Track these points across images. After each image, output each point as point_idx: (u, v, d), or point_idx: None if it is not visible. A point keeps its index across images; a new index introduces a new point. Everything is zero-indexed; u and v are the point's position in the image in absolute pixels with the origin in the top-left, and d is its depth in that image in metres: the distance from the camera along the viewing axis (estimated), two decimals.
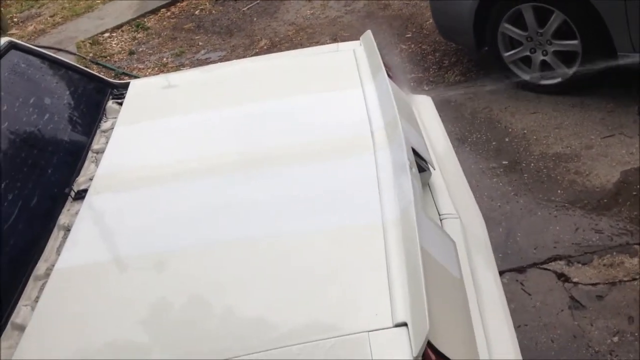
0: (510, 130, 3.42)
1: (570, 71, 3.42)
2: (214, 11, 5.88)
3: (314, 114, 2.03)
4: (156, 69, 5.12)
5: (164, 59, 5.24)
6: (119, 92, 2.40)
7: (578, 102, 3.45)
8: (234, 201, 1.74)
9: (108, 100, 2.36)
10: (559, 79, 3.50)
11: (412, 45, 4.50)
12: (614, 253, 2.57)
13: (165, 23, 5.87)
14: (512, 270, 2.61)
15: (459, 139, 3.44)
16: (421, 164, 1.93)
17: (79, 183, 1.96)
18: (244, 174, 1.83)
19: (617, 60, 3.23)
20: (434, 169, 2.04)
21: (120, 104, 2.31)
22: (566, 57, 3.43)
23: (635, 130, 3.15)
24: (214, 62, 4.99)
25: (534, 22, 3.41)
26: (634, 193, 2.81)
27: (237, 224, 1.66)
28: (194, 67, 4.93)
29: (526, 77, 3.64)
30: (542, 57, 3.49)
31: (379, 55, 2.21)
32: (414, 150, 1.86)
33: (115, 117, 2.22)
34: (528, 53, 3.54)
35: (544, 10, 3.35)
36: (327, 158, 1.82)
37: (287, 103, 2.13)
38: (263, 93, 2.20)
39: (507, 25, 3.52)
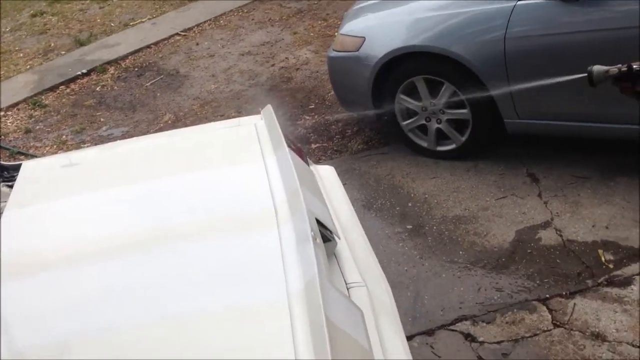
0: (412, 195, 3.54)
1: (463, 138, 3.62)
2: (115, 87, 5.81)
3: (215, 190, 2.02)
4: (55, 147, 4.95)
5: (63, 137, 5.08)
6: (10, 175, 2.29)
7: (472, 166, 3.64)
8: (134, 283, 1.67)
9: None
10: (454, 146, 3.70)
11: (316, 116, 4.63)
12: (515, 310, 2.67)
13: (64, 100, 5.73)
14: (421, 333, 2.65)
15: (365, 206, 3.52)
16: (326, 234, 1.95)
17: None
18: (144, 254, 1.77)
19: (504, 126, 3.46)
20: (339, 239, 2.06)
21: (11, 186, 2.20)
22: (459, 125, 3.64)
23: (525, 191, 3.36)
24: (117, 138, 4.90)
25: (427, 94, 3.61)
26: (529, 251, 2.96)
27: (137, 306, 1.59)
28: (96, 144, 4.81)
29: (424, 144, 3.81)
30: (437, 125, 3.68)
31: (279, 129, 2.24)
32: (318, 221, 1.87)
33: (5, 201, 2.11)
34: (424, 122, 3.73)
35: (435, 82, 3.56)
36: (230, 234, 1.80)
37: (189, 179, 2.11)
38: (163, 170, 2.17)
39: (403, 97, 3.71)
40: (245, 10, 7.03)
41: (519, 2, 3.17)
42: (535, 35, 3.17)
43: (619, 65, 1.63)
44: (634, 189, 3.13)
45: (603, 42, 3.00)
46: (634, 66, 1.59)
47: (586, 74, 1.67)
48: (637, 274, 2.70)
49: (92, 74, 6.14)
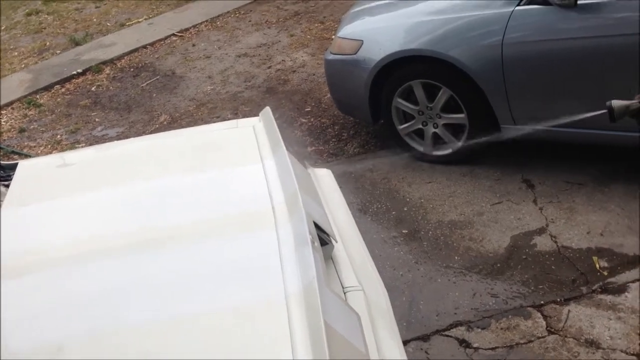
0: (408, 199, 3.55)
1: (459, 143, 3.63)
2: (111, 87, 5.80)
3: (214, 191, 2.01)
4: (49, 146, 4.93)
5: (58, 136, 5.06)
6: (6, 174, 2.27)
7: (468, 171, 3.64)
8: (130, 285, 1.66)
9: None
10: (450, 150, 3.71)
11: (312, 119, 4.63)
12: (510, 316, 2.67)
13: (59, 100, 5.71)
14: (416, 338, 2.65)
15: (361, 210, 3.52)
16: (323, 237, 1.95)
17: None
18: (144, 254, 1.76)
19: (500, 132, 3.47)
20: (336, 242, 2.06)
21: (7, 186, 2.18)
22: (455, 130, 3.64)
23: (520, 197, 3.36)
24: (112, 138, 4.88)
25: (424, 98, 3.62)
26: (524, 257, 2.97)
27: (133, 307, 1.58)
28: (90, 144, 4.79)
29: (420, 148, 3.82)
30: (433, 130, 3.69)
31: (278, 131, 2.24)
32: (315, 224, 1.87)
33: (1, 200, 2.09)
34: (420, 126, 3.73)
35: (432, 86, 3.57)
36: (229, 235, 1.80)
37: (188, 180, 2.10)
38: (162, 171, 2.16)
39: (400, 100, 3.71)
40: (242, 12, 7.03)
41: (517, 8, 3.19)
42: (533, 41, 3.18)
43: (639, 99, 1.63)
44: (629, 196, 3.14)
45: (600, 48, 3.02)
46: None
47: (606, 110, 1.66)
48: (631, 282, 2.71)
49: (87, 73, 6.11)
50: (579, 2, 2.97)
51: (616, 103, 1.62)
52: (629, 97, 1.80)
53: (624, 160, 3.35)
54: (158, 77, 5.82)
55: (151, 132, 4.79)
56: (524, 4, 3.18)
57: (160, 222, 1.88)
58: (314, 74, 5.25)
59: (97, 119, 5.27)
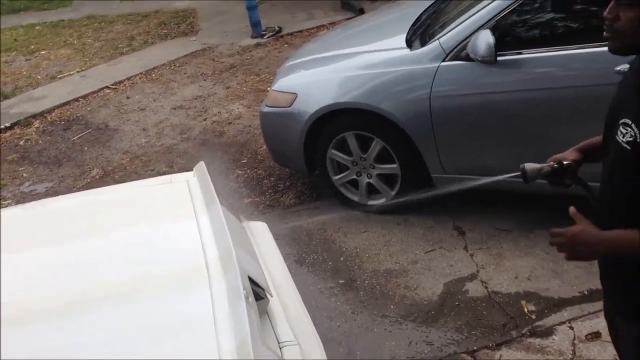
0: (344, 249, 3.58)
1: (393, 192, 3.72)
2: (40, 141, 5.65)
3: (145, 249, 1.99)
4: None
5: None
6: None
7: (402, 220, 3.73)
8: (57, 349, 1.60)
9: None
10: (384, 200, 3.79)
11: (248, 171, 4.65)
12: None
13: None
14: None
15: (297, 261, 3.53)
16: (258, 292, 1.95)
17: None
18: (69, 317, 1.71)
19: (431, 181, 3.59)
20: (272, 296, 2.06)
21: None
22: (388, 180, 3.74)
23: (452, 244, 3.46)
24: (40, 194, 4.73)
25: (357, 149, 3.71)
26: (457, 303, 3.04)
27: None
28: (17, 201, 4.63)
29: (355, 198, 3.89)
30: (367, 180, 3.77)
31: (212, 185, 2.25)
32: (250, 279, 1.87)
33: None
34: (355, 176, 3.81)
35: (366, 137, 3.67)
36: (160, 294, 1.77)
37: (118, 239, 2.07)
38: (91, 230, 2.12)
39: (334, 151, 3.79)
40: (178, 65, 7.06)
41: (442, 63, 3.34)
42: (458, 94, 3.34)
43: (551, 163, 1.74)
44: None
45: (520, 102, 3.19)
46: (564, 163, 1.70)
47: (520, 173, 1.76)
48: (557, 324, 2.80)
49: (15, 127, 5.97)
50: (498, 58, 3.14)
51: (529, 166, 1.73)
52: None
53: (546, 207, 3.50)
54: (90, 130, 5.73)
55: (82, 187, 4.68)
56: (449, 60, 3.34)
57: (87, 283, 1.84)
58: (250, 126, 5.30)
59: (24, 174, 5.11)
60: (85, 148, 5.39)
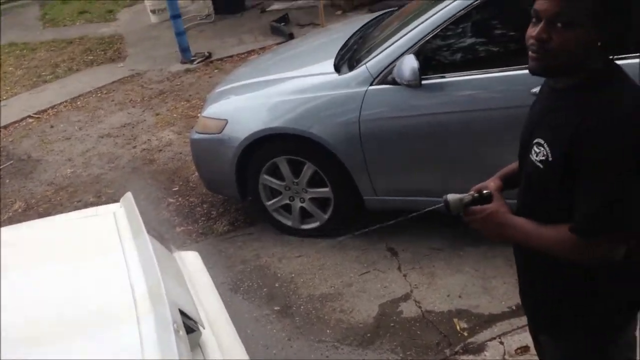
0: (279, 275, 3.56)
1: (326, 216, 3.74)
2: None
3: (69, 286, 1.91)
4: None
5: None
6: None
7: (336, 243, 3.74)
8: None
9: None
10: (318, 224, 3.80)
11: (180, 199, 4.57)
12: None
13: None
14: None
15: (232, 289, 3.48)
16: (190, 325, 1.91)
17: None
18: None
19: (363, 204, 3.63)
20: (204, 328, 2.02)
21: None
22: (322, 203, 3.76)
23: (386, 265, 3.50)
24: None
25: (289, 173, 3.71)
26: (392, 324, 3.07)
27: None
28: None
29: (288, 223, 3.88)
30: (300, 204, 3.78)
31: (139, 217, 2.19)
32: (181, 311, 1.83)
33: None
34: (288, 201, 3.81)
35: (297, 162, 3.68)
36: (85, 332, 1.70)
37: (41, 276, 1.98)
38: (13, 267, 2.02)
39: (266, 177, 3.78)
40: (105, 92, 6.91)
41: (370, 87, 3.41)
42: (387, 117, 3.41)
43: (472, 192, 1.79)
44: (480, 258, 3.37)
45: (444, 124, 3.29)
46: (484, 192, 1.75)
47: (443, 203, 1.80)
48: (488, 340, 2.87)
49: None
50: (423, 82, 3.23)
51: (451, 197, 1.77)
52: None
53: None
54: (12, 161, 5.49)
55: (4, 222, 4.47)
56: (376, 84, 3.40)
57: (5, 325, 1.74)
58: (180, 153, 5.22)
59: None
60: (7, 180, 5.17)
